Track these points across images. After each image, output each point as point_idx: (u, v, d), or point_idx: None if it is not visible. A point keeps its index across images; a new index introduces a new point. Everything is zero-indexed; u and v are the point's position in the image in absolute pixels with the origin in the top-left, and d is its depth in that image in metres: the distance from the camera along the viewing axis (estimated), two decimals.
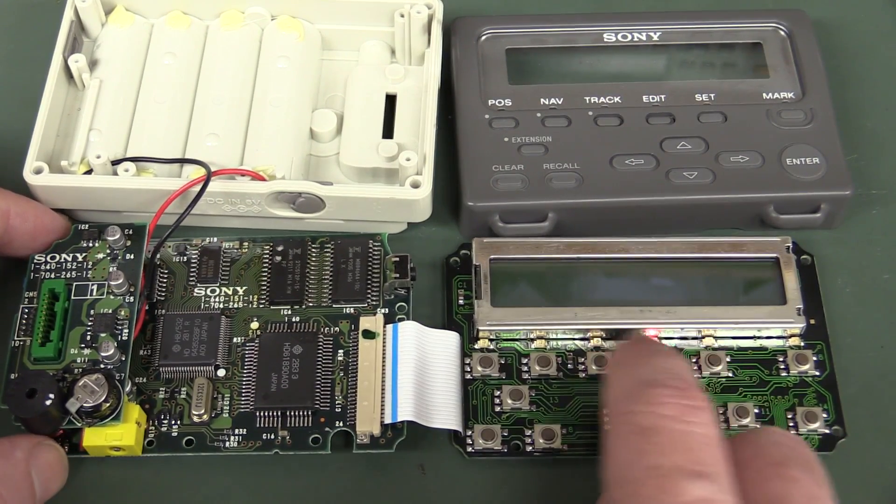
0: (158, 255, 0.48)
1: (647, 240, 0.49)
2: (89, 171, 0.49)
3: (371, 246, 0.49)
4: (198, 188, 0.47)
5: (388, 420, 0.44)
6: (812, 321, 0.48)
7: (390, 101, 0.52)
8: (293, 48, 0.53)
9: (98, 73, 0.52)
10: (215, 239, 0.49)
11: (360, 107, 0.51)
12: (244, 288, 0.48)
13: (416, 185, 0.48)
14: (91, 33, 0.53)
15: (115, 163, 0.49)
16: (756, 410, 0.46)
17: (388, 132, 0.51)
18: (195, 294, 0.48)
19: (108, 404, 0.43)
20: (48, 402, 0.42)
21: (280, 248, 0.49)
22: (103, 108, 0.51)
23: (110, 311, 0.46)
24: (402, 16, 0.52)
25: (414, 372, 0.45)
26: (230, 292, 0.48)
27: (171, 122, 0.51)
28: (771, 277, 0.48)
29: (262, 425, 0.45)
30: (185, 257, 0.49)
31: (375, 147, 0.50)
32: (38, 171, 0.48)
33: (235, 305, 0.48)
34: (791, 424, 0.46)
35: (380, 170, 0.50)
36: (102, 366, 0.44)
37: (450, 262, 0.50)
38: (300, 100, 0.51)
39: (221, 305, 0.48)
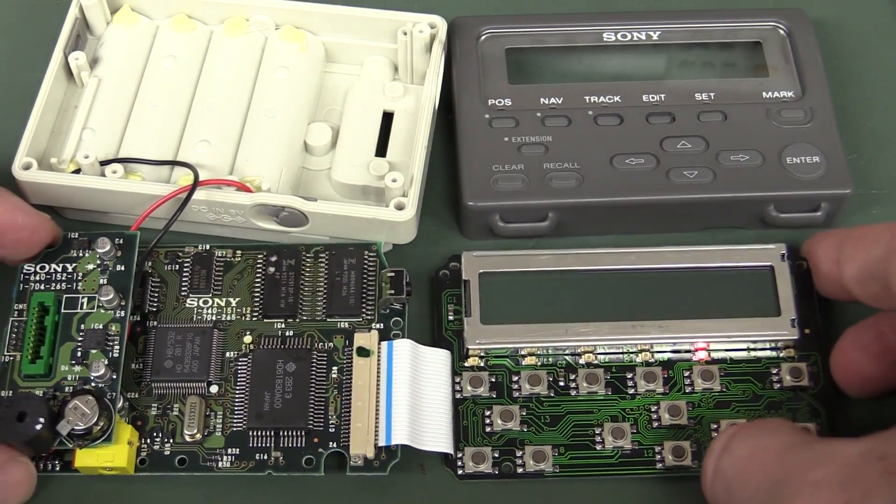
0: (150, 264, 0.46)
1: (640, 250, 0.46)
2: (79, 170, 0.46)
3: (366, 257, 0.46)
4: (185, 194, 0.45)
5: (381, 442, 0.42)
6: (807, 330, 0.45)
7: (388, 118, 0.49)
8: (294, 59, 0.50)
9: (98, 71, 0.50)
10: (208, 246, 0.47)
11: (356, 123, 0.49)
12: (237, 299, 0.46)
13: (400, 207, 0.45)
14: (96, 31, 0.51)
15: (105, 163, 0.47)
16: None
17: (381, 150, 0.48)
18: (187, 305, 0.45)
19: (98, 426, 0.41)
20: (38, 427, 0.40)
21: (273, 259, 0.46)
22: (99, 108, 0.48)
23: (101, 327, 0.43)
24: (405, 33, 0.49)
25: (408, 392, 0.43)
26: (223, 304, 0.46)
27: (164, 125, 0.48)
28: (765, 287, 0.46)
29: (254, 445, 0.43)
30: (178, 265, 0.46)
31: (367, 165, 0.48)
32: (27, 167, 0.46)
33: (228, 318, 0.45)
34: None
35: (370, 188, 0.47)
36: (93, 384, 0.42)
37: (439, 275, 0.47)
38: (296, 112, 0.49)
39: (214, 317, 0.45)
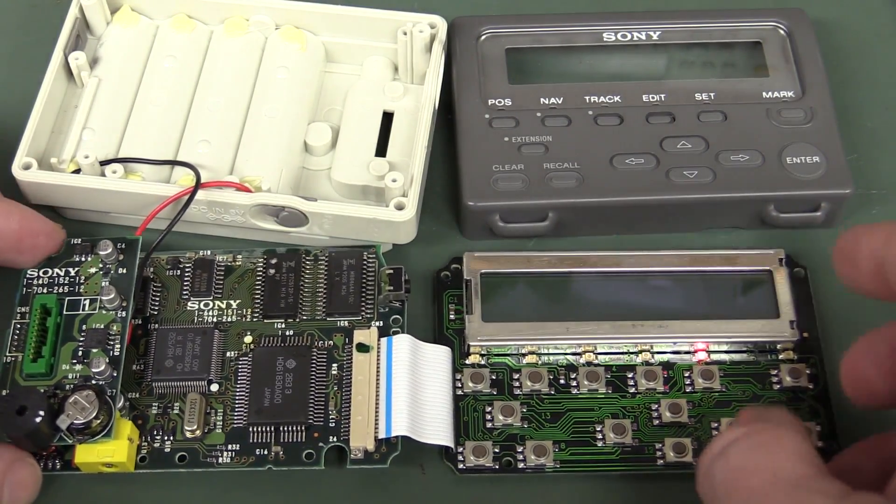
0: (152, 269, 0.46)
1: (640, 253, 0.46)
2: (79, 170, 0.46)
3: (365, 258, 0.46)
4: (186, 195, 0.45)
5: (381, 435, 0.42)
6: (805, 334, 0.45)
7: (388, 118, 0.49)
8: (294, 59, 0.50)
9: (98, 71, 0.49)
10: (209, 252, 0.47)
11: (356, 123, 0.49)
12: (238, 301, 0.46)
13: (400, 207, 0.45)
14: (96, 31, 0.51)
15: (105, 163, 0.47)
16: None
17: (381, 150, 0.48)
18: (188, 308, 0.45)
19: (98, 421, 0.41)
20: (38, 420, 0.40)
21: (274, 262, 0.46)
22: (99, 107, 0.48)
23: (102, 327, 0.43)
24: (405, 33, 0.49)
25: (408, 386, 0.43)
26: (223, 306, 0.46)
27: (164, 125, 0.48)
28: (764, 290, 0.46)
29: (255, 440, 0.43)
30: (179, 270, 0.46)
31: (367, 165, 0.47)
32: (27, 167, 0.46)
33: (229, 319, 0.45)
34: None
35: (370, 188, 0.47)
36: (94, 381, 0.42)
37: (440, 276, 0.47)
38: (296, 112, 0.49)
39: (215, 319, 0.45)
